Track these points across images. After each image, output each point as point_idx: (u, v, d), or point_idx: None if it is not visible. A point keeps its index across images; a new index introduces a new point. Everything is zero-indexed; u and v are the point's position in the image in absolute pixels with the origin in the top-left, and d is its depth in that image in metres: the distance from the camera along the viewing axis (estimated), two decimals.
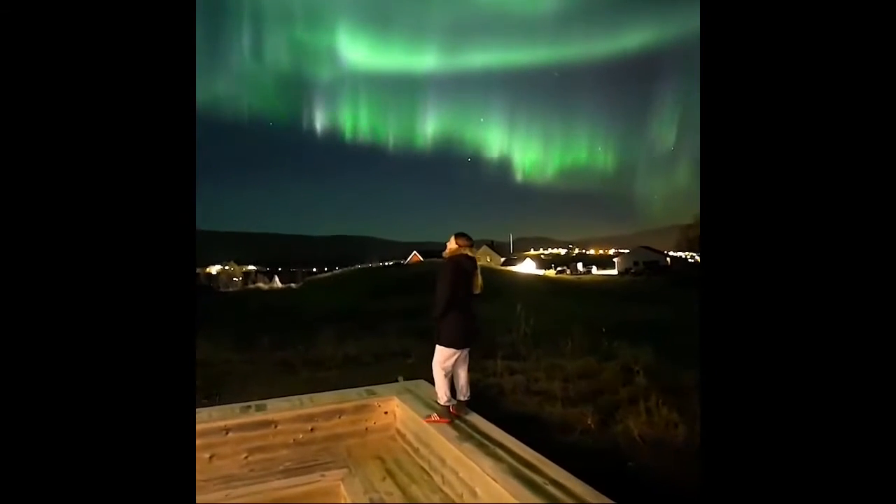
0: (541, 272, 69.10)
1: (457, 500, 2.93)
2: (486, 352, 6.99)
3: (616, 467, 3.51)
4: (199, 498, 3.01)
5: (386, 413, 4.02)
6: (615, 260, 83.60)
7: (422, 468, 3.41)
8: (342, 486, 3.27)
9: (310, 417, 3.78)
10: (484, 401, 3.53)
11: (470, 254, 3.51)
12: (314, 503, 3.26)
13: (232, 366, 6.72)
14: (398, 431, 3.96)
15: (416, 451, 3.56)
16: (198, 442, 3.24)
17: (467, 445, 3.00)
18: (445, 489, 3.07)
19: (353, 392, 4.17)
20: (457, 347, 3.39)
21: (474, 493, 2.75)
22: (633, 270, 66.30)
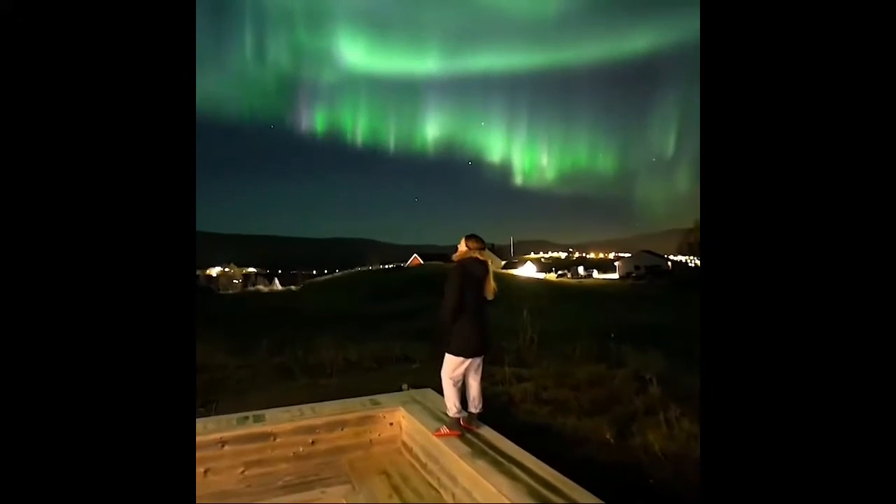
0: (541, 276, 68.91)
1: None
2: (492, 358, 6.77)
3: (637, 484, 3.29)
4: None
5: (391, 424, 3.79)
6: (616, 264, 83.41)
7: (430, 485, 3.19)
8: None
9: (310, 429, 3.56)
10: (492, 410, 3.32)
11: (480, 257, 3.29)
12: None
13: (229, 371, 6.51)
14: (404, 444, 3.73)
15: (424, 465, 3.34)
16: None
17: (481, 463, 2.78)
18: None
19: (356, 402, 3.95)
20: (465, 356, 3.17)
21: None
22: (634, 274, 66.08)
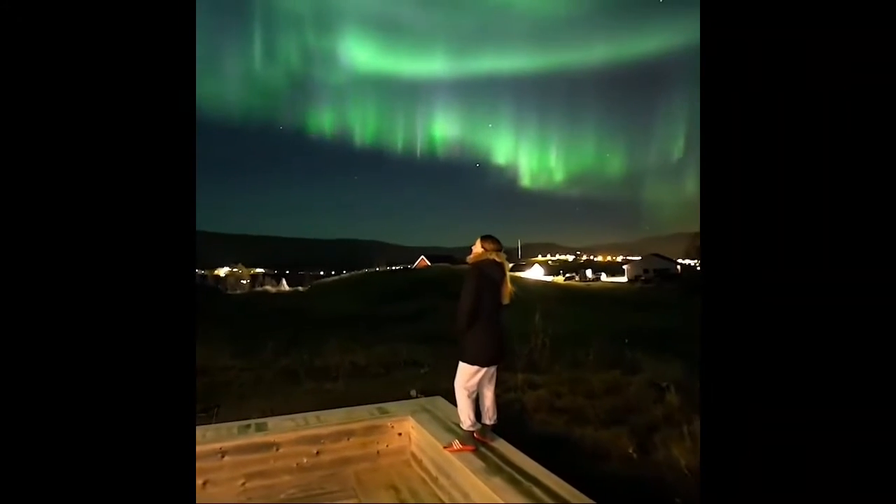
0: (549, 279, 68.54)
1: None
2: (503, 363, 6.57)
3: (663, 503, 3.07)
4: None
5: (400, 435, 3.60)
6: (625, 267, 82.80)
7: (441, 501, 2.99)
8: None
9: (315, 439, 3.38)
10: (505, 420, 3.12)
11: (497, 259, 3.08)
12: None
13: (233, 375, 6.35)
14: (414, 456, 3.54)
15: (435, 480, 3.15)
16: None
17: (497, 480, 2.58)
18: None
19: (362, 410, 3.76)
20: (480, 365, 2.98)
21: None
22: (643, 278, 65.55)
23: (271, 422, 3.50)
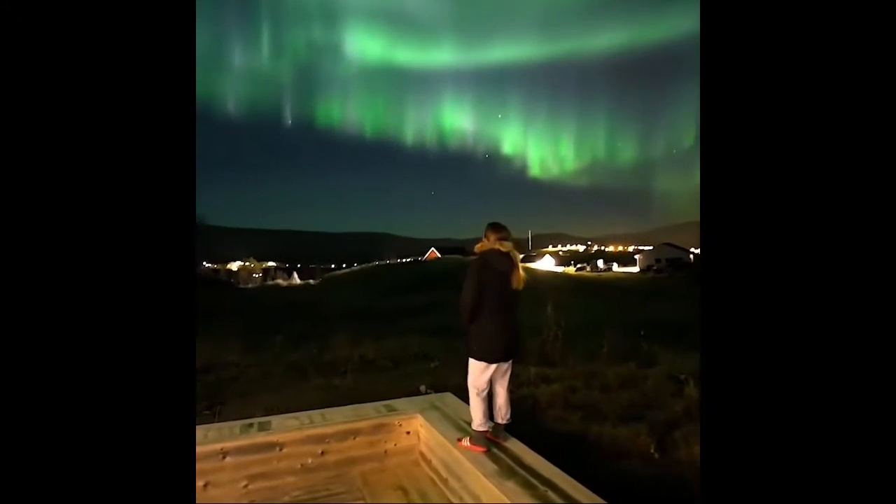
0: (560, 269, 68.15)
1: None
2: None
3: None
4: None
5: (408, 433, 3.46)
6: (637, 257, 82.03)
7: None
8: None
9: (320, 438, 3.24)
10: (519, 416, 2.96)
11: (502, 248, 2.88)
12: None
13: (240, 370, 6.25)
14: (422, 455, 3.40)
15: (445, 482, 3.00)
16: None
17: (510, 484, 2.42)
18: None
19: (369, 408, 3.62)
20: (486, 361, 2.82)
21: None
22: (655, 268, 64.88)
23: (275, 421, 3.37)
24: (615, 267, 74.84)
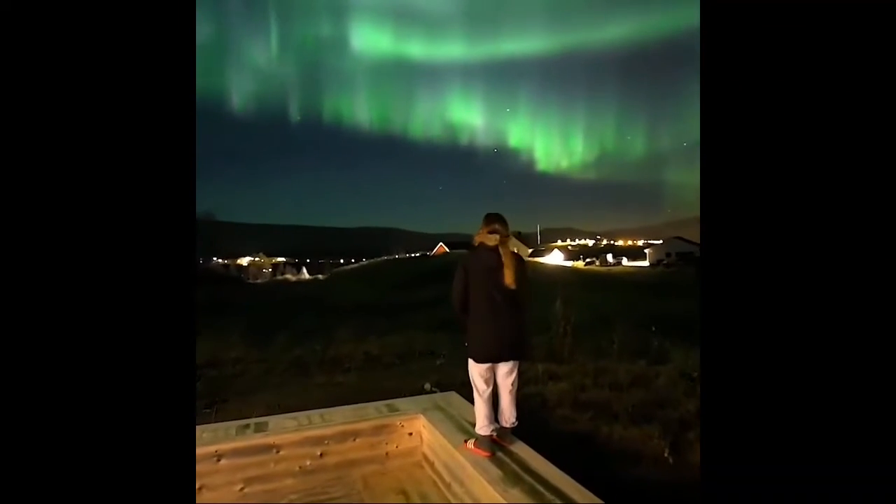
0: (569, 264, 67.75)
1: None
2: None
3: None
4: None
5: (410, 434, 3.33)
6: (646, 251, 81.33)
7: None
8: None
9: (319, 440, 3.13)
10: (525, 416, 2.81)
11: (490, 242, 2.69)
12: None
13: (243, 366, 6.17)
14: (425, 457, 3.27)
15: (448, 486, 2.87)
16: None
17: (515, 492, 2.29)
18: None
19: (370, 408, 3.50)
20: (478, 361, 2.70)
21: None
22: (665, 262, 64.28)
23: (272, 421, 3.26)
24: (625, 261, 74.25)
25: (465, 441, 2.78)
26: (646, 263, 69.49)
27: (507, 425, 2.78)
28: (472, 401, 2.91)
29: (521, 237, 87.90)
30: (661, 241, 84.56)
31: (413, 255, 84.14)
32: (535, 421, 3.97)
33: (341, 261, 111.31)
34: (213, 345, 7.31)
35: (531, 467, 2.52)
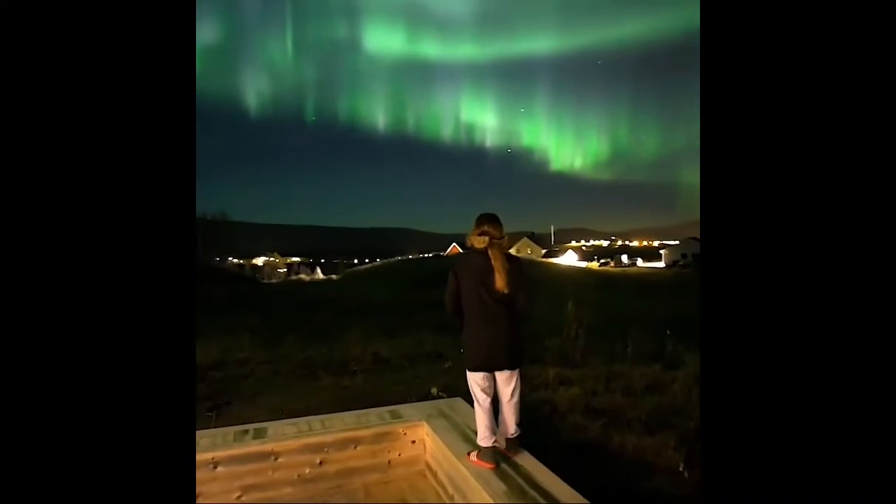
0: (583, 264, 67.19)
1: None
2: (532, 356, 6.10)
3: None
4: None
5: (413, 442, 3.22)
6: (662, 252, 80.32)
7: None
8: None
9: (319, 447, 3.03)
10: (535, 424, 2.69)
11: (479, 245, 2.56)
12: None
13: (249, 368, 6.11)
14: (428, 467, 3.16)
15: (452, 498, 2.76)
16: None
17: None
18: None
19: (372, 414, 3.39)
20: (471, 369, 2.60)
21: None
22: (681, 263, 63.38)
23: (271, 427, 3.17)
24: (640, 262, 73.34)
25: (468, 453, 2.65)
26: (661, 264, 68.61)
27: (510, 436, 2.64)
28: None
29: (534, 238, 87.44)
30: (677, 242, 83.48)
31: (426, 255, 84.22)
32: (546, 429, 3.83)
33: (355, 261, 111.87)
34: (221, 345, 7.28)
35: (537, 481, 2.40)
